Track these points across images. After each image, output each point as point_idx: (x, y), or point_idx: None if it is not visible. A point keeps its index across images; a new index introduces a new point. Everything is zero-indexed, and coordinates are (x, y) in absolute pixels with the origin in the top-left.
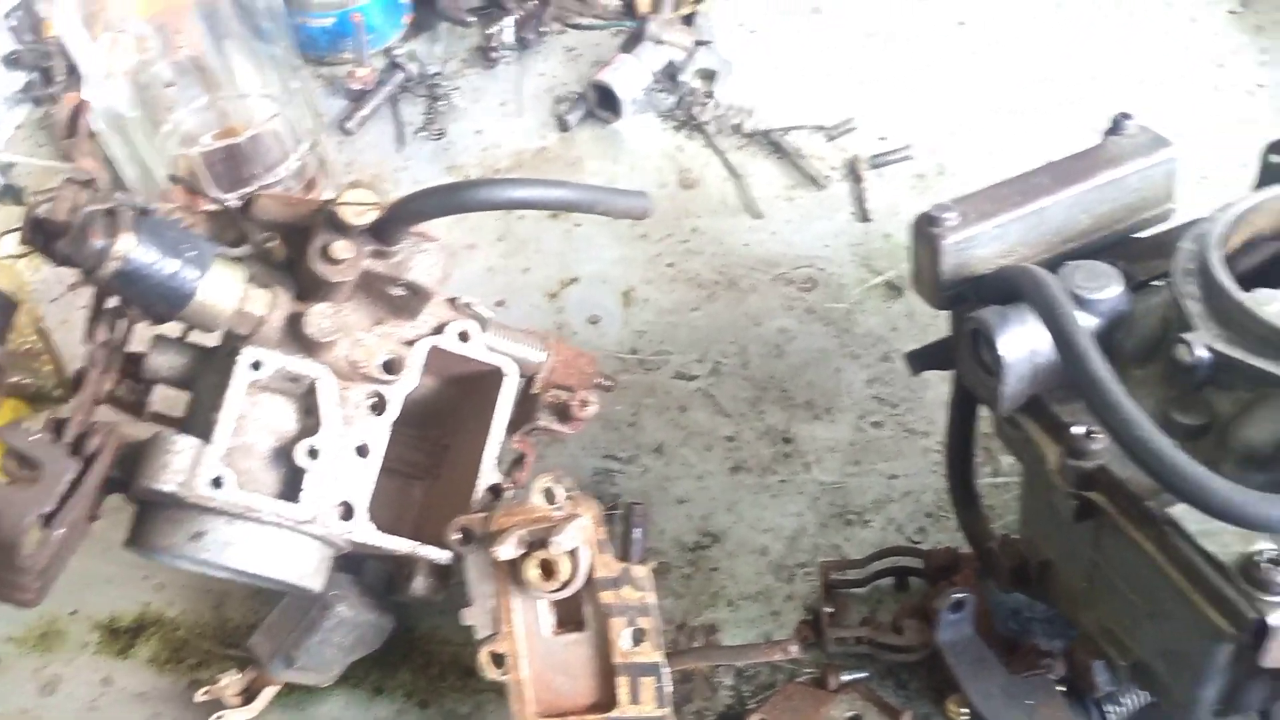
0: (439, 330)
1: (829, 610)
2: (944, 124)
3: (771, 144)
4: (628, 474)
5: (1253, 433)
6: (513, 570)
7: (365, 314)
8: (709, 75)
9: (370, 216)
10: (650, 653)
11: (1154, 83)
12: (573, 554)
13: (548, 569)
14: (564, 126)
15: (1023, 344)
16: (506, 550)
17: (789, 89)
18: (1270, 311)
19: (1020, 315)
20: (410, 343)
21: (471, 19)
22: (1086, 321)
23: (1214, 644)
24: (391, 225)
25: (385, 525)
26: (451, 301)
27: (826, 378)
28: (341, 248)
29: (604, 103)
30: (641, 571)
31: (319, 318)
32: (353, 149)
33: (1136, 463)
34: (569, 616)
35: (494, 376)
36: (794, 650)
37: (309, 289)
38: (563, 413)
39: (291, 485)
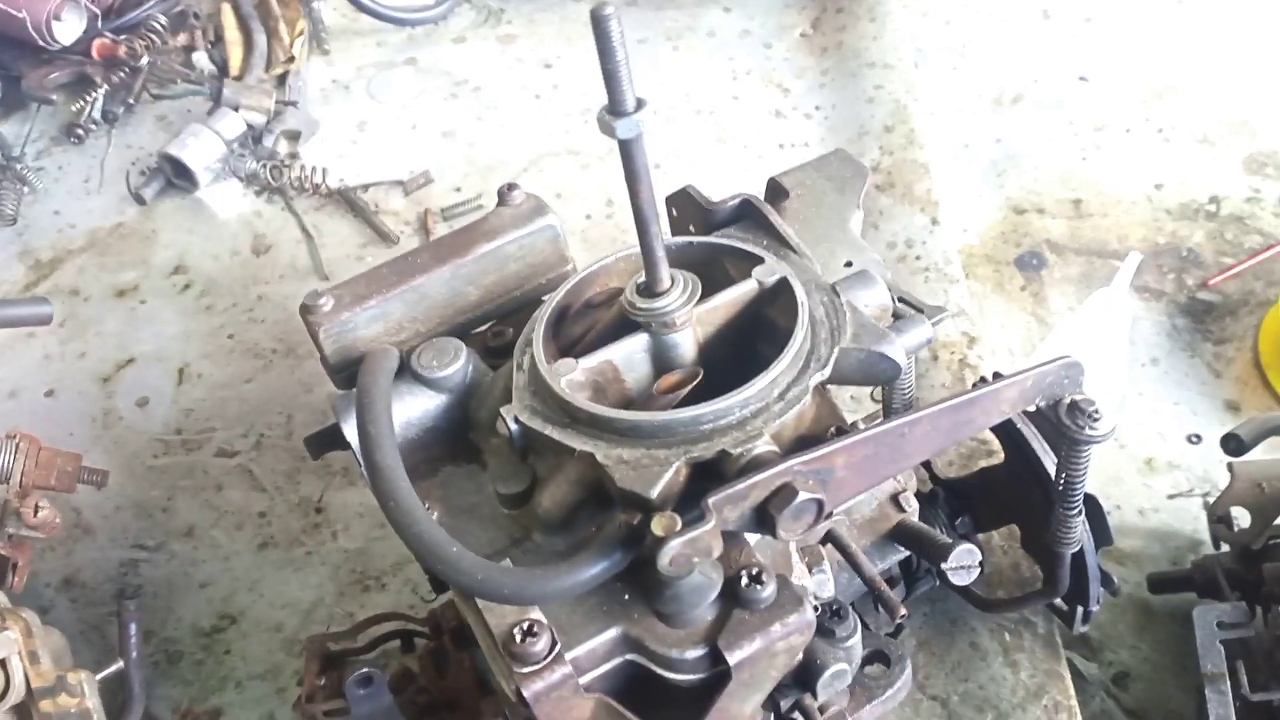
0: None
1: (320, 683)
2: (514, 172)
3: (348, 202)
4: (154, 562)
5: (546, 500)
6: None
7: None
8: (294, 136)
9: None
10: None
11: (722, 111)
12: (3, 665)
13: None
14: (140, 200)
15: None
16: None
17: (374, 144)
18: (563, 382)
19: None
20: None
21: (56, 97)
22: (431, 400)
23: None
24: None
25: None
26: None
27: None
28: None
29: (181, 173)
30: (77, 678)
31: None
32: None
33: (407, 546)
34: None
35: None
36: None
37: None
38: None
39: None
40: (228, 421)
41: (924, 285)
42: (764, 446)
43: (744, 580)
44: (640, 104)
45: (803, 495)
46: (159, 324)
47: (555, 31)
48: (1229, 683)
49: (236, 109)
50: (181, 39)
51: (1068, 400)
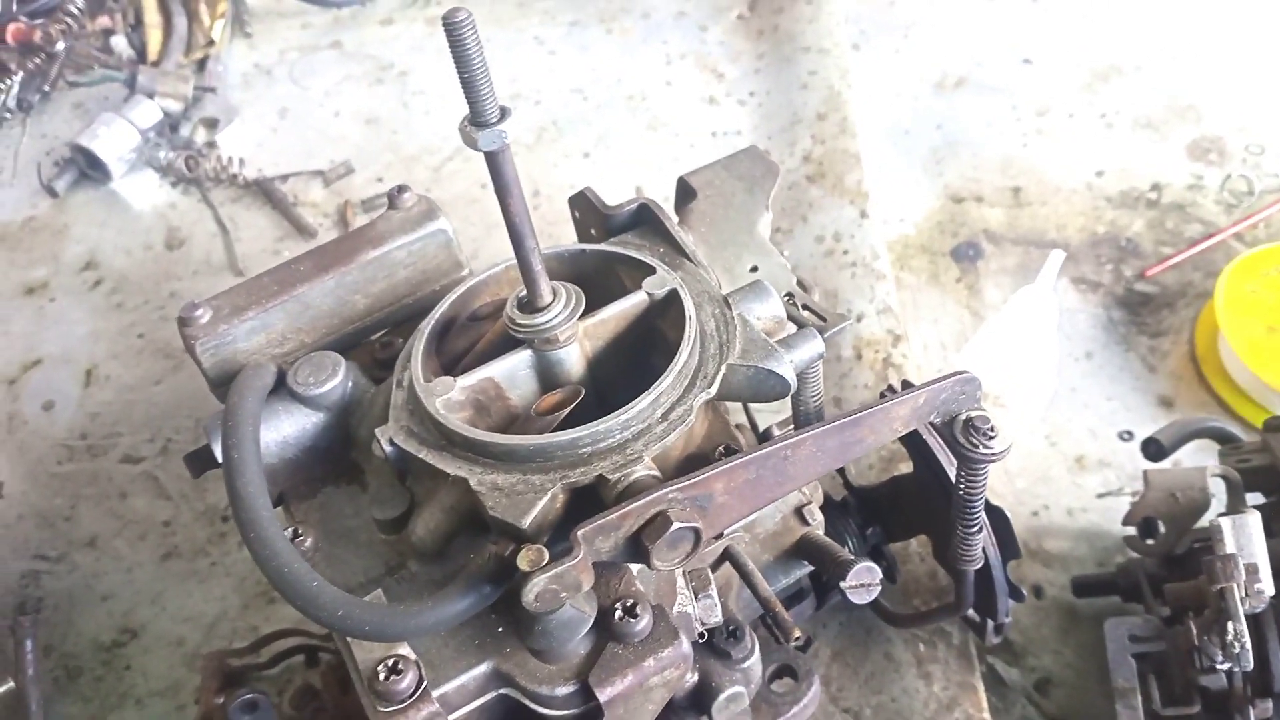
0: None
1: (218, 702)
2: (438, 162)
3: (266, 193)
4: (55, 574)
5: (420, 527)
6: None
7: None
8: (212, 124)
9: None
10: None
11: (655, 97)
12: None
13: None
14: (52, 193)
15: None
16: None
17: (295, 132)
18: (439, 402)
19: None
20: None
21: None
22: (309, 418)
23: None
24: None
25: None
26: None
27: None
28: None
29: (94, 164)
30: None
31: None
32: None
33: (267, 579)
34: None
35: None
36: None
37: None
38: None
39: None
40: (134, 426)
41: (850, 281)
42: (644, 470)
43: (618, 613)
44: (505, 113)
45: (677, 525)
46: (68, 323)
47: (486, 12)
48: (1140, 697)
49: (152, 96)
50: (100, 23)
51: (963, 417)
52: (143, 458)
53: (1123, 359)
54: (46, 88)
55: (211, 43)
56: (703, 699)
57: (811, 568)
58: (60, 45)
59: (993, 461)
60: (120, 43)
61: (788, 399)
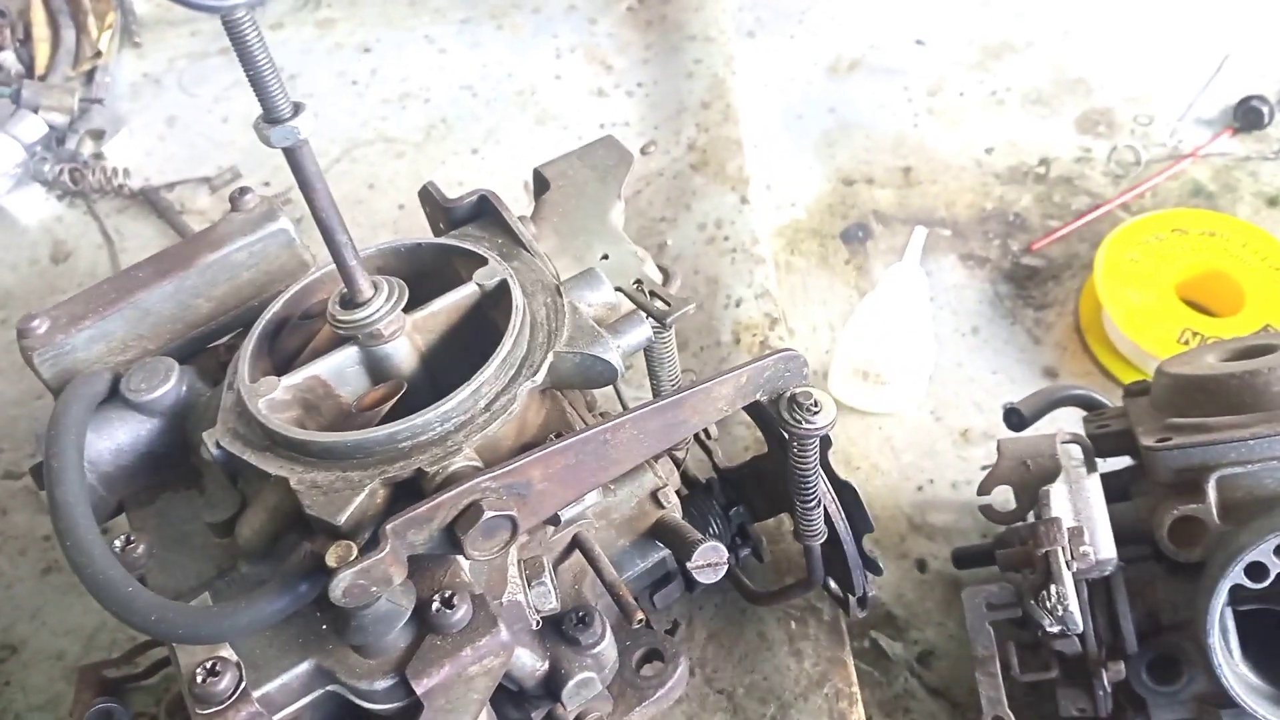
0: None
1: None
2: (326, 163)
3: (151, 203)
4: None
5: (245, 528)
6: None
7: None
8: (99, 135)
9: None
10: None
11: (544, 90)
12: None
13: None
14: None
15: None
16: None
17: (184, 140)
18: (262, 403)
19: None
20: None
21: None
22: (143, 424)
23: None
24: None
25: None
26: None
27: None
28: None
29: None
30: None
31: None
32: None
33: (84, 585)
34: None
35: None
36: None
37: None
38: None
39: None
40: (16, 441)
41: (730, 266)
42: (463, 462)
43: (435, 605)
44: (298, 108)
45: (489, 513)
46: None
47: (377, 13)
48: (998, 664)
49: (37, 110)
50: None
51: (788, 394)
52: (23, 473)
53: (1008, 332)
54: None
55: (99, 54)
56: (554, 685)
57: (667, 550)
58: None
59: (816, 435)
60: (8, 58)
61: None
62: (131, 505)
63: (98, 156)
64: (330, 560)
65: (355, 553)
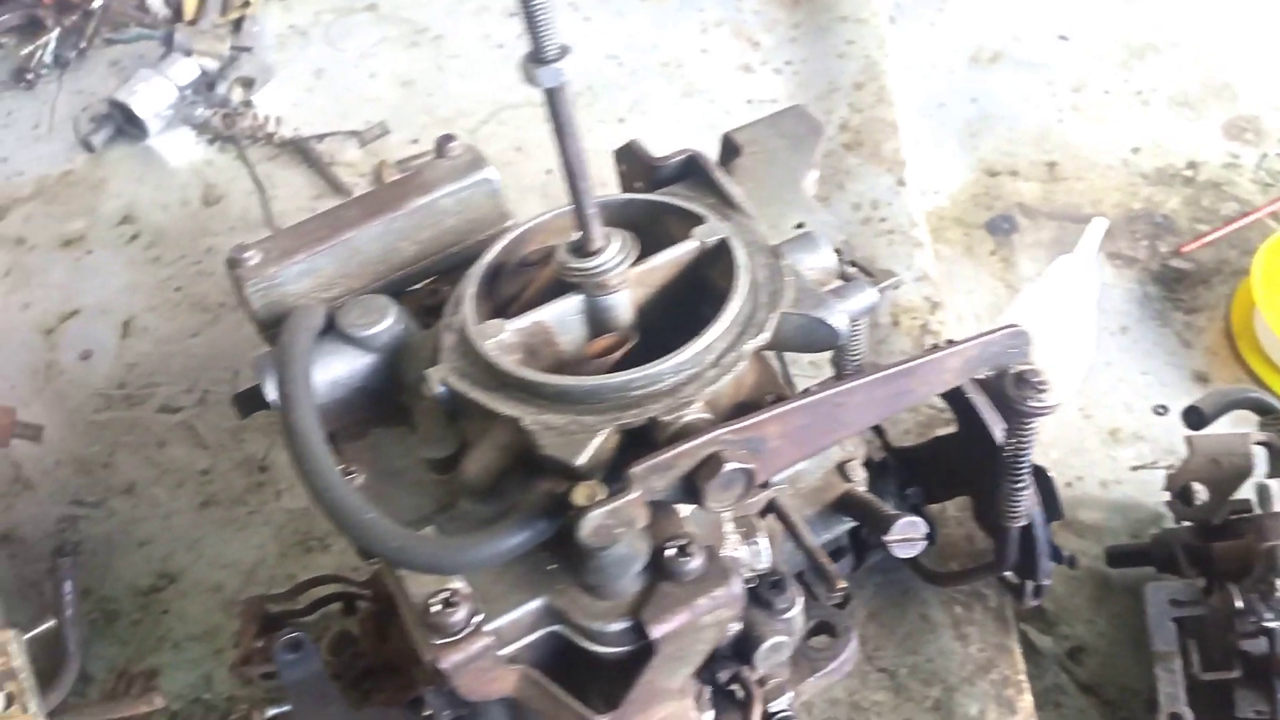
0: None
1: (259, 645)
2: (474, 124)
3: (301, 153)
4: (93, 519)
5: (472, 465)
6: None
7: None
8: (248, 83)
9: None
10: (19, 716)
11: (690, 64)
12: None
13: None
14: (89, 148)
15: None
16: None
17: (331, 94)
18: (490, 344)
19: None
20: None
21: (6, 41)
22: (359, 359)
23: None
24: None
25: None
26: None
27: None
28: None
29: (131, 120)
30: (4, 637)
31: None
32: None
33: (321, 511)
34: None
35: None
36: (158, 701)
37: None
38: None
39: None
40: (172, 377)
41: (888, 248)
42: (696, 414)
43: (670, 551)
44: (565, 50)
45: (730, 465)
46: (105, 275)
47: None
48: (1180, 661)
49: (189, 54)
50: None
51: (1014, 370)
52: (180, 408)
53: (1157, 334)
54: (83, 45)
55: (247, 3)
56: (745, 648)
57: (852, 524)
58: (97, 3)
59: (1042, 415)
60: (155, 2)
61: (825, 358)
62: (343, 438)
63: (247, 104)
64: (579, 499)
65: (602, 494)
